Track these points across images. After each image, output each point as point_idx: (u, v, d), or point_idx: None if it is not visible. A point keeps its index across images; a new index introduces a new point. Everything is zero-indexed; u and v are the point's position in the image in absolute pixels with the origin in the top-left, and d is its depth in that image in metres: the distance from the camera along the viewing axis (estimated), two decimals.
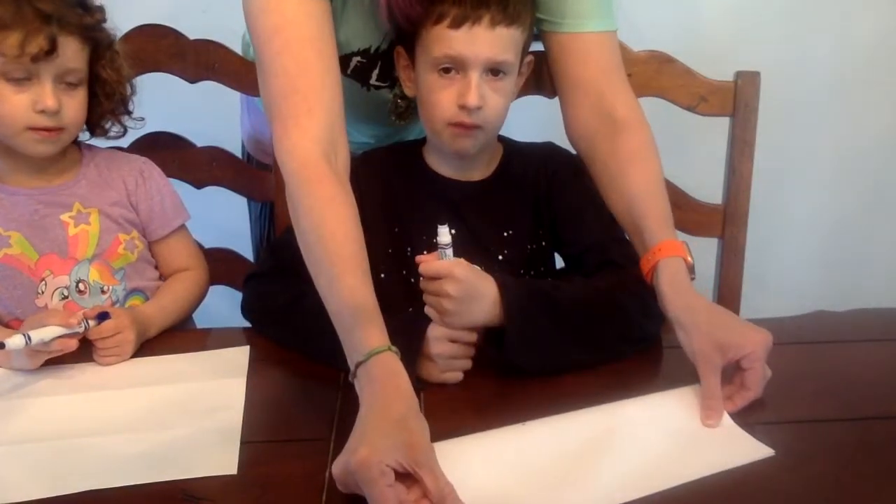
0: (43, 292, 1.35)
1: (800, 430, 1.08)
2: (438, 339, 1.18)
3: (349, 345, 1.07)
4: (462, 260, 1.18)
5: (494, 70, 1.27)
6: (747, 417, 1.09)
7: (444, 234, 1.17)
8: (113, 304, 1.38)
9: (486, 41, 1.24)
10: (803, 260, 2.51)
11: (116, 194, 1.41)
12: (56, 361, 1.26)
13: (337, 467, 0.94)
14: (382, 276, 1.36)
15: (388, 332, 1.08)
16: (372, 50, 1.40)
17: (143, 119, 1.44)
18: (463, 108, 1.27)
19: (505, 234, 1.37)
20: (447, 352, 1.19)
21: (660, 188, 1.31)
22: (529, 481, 0.99)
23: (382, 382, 1.02)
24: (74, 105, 1.31)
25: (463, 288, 1.16)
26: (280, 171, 1.20)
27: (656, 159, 1.34)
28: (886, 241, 2.51)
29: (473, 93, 1.25)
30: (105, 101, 1.36)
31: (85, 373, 1.25)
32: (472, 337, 1.20)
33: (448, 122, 1.29)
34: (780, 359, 1.27)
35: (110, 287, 1.39)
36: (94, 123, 1.39)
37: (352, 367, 1.05)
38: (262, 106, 1.26)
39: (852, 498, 0.97)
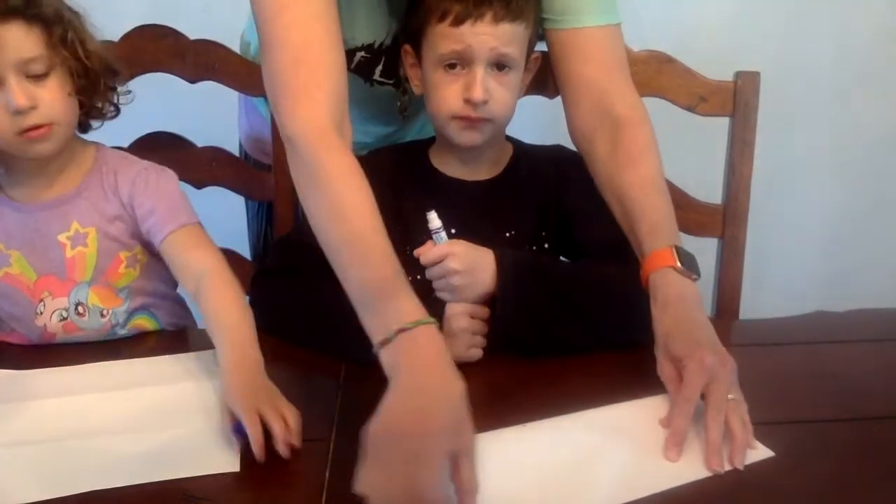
0: (42, 313, 1.32)
1: (800, 430, 1.08)
2: (459, 315, 1.21)
3: (386, 312, 1.02)
4: (456, 240, 1.24)
5: (500, 64, 1.29)
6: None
7: (434, 220, 1.24)
8: (112, 326, 1.35)
9: (489, 35, 1.26)
10: (803, 260, 2.51)
11: (118, 206, 1.32)
12: (53, 363, 1.26)
13: (384, 430, 0.90)
14: None
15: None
16: (376, 45, 1.41)
17: (130, 92, 1.35)
18: (468, 102, 1.28)
19: (507, 234, 1.37)
20: (469, 326, 1.22)
21: (655, 190, 1.30)
22: (530, 481, 0.99)
23: (435, 354, 1.00)
24: (50, 96, 1.21)
25: (465, 261, 1.22)
26: (286, 142, 1.17)
27: (654, 160, 1.33)
28: (886, 241, 2.51)
29: (478, 86, 1.27)
30: (74, 81, 1.25)
31: (82, 374, 1.25)
32: (486, 311, 1.23)
33: (454, 115, 1.31)
34: (780, 359, 1.28)
35: (110, 310, 1.34)
36: (83, 105, 1.29)
37: (387, 335, 1.00)
38: (265, 84, 1.23)
39: (852, 498, 0.97)
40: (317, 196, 1.13)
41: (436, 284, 1.24)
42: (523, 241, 1.39)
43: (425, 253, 1.23)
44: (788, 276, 2.45)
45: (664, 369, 1.11)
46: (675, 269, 1.18)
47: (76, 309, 1.33)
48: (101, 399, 1.18)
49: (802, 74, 2.29)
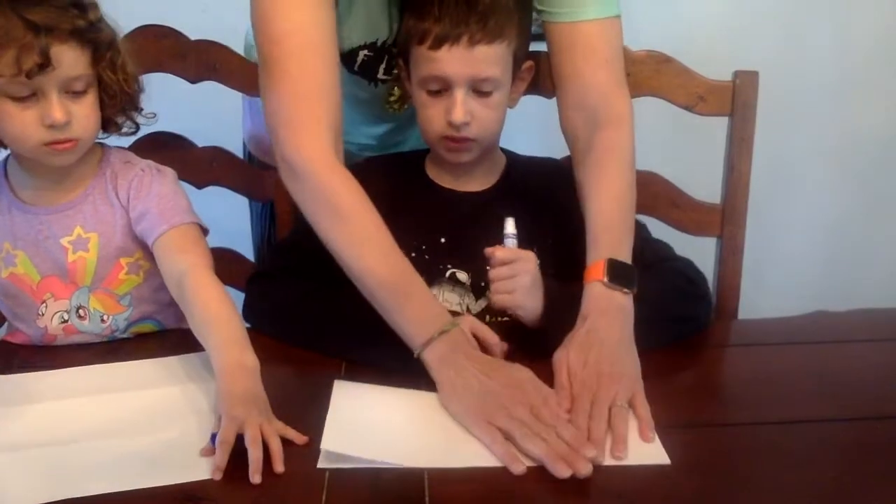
0: (43, 314, 1.33)
1: (800, 430, 1.08)
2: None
3: (425, 320, 1.17)
4: None
5: (481, 85, 1.29)
6: (746, 416, 1.09)
7: (510, 226, 1.26)
8: (112, 332, 1.35)
9: (466, 60, 1.27)
10: (803, 259, 2.51)
11: (120, 210, 1.32)
12: (55, 362, 1.27)
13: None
14: None
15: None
16: (378, 43, 1.42)
17: (154, 115, 1.37)
18: (451, 124, 1.30)
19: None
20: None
21: (610, 198, 1.31)
22: (420, 433, 1.09)
23: (469, 346, 1.17)
24: (84, 112, 1.23)
25: (536, 269, 1.23)
26: (288, 172, 1.24)
27: (620, 167, 1.34)
28: (886, 240, 2.51)
29: (458, 110, 1.29)
30: (111, 102, 1.28)
31: (73, 378, 1.24)
32: (493, 337, 1.22)
33: (440, 136, 1.33)
34: (780, 359, 1.28)
35: (110, 316, 1.34)
36: (105, 121, 1.31)
37: (430, 337, 1.15)
38: (265, 111, 1.28)
39: (852, 498, 0.97)
40: (335, 225, 1.23)
41: (500, 285, 1.23)
42: None
43: (501, 250, 1.23)
44: (788, 276, 2.45)
45: (559, 356, 1.17)
46: (602, 283, 1.21)
47: (77, 312, 1.33)
48: (92, 403, 1.17)
49: (801, 73, 2.29)
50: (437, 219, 1.39)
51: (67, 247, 1.31)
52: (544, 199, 1.42)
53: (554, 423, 1.05)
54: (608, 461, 1.02)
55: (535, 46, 1.47)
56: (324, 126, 1.24)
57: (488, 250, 1.24)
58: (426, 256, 1.38)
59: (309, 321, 1.25)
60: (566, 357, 1.17)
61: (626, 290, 1.21)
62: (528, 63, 1.38)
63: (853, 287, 2.37)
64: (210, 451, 1.02)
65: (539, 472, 1.00)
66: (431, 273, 1.38)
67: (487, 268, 1.25)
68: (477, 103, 1.30)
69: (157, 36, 1.53)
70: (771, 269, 2.34)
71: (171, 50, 1.54)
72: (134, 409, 1.16)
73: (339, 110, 1.28)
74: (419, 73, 1.31)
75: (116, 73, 1.26)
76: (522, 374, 1.13)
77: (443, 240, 1.37)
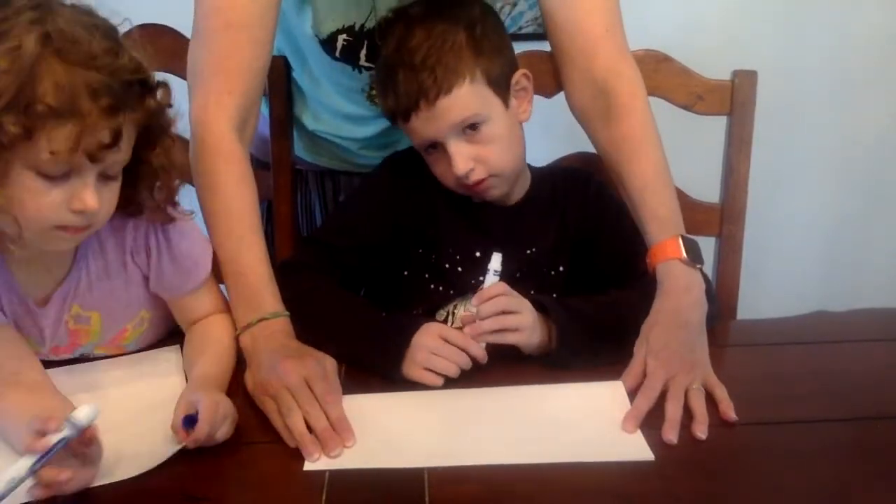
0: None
1: (800, 430, 1.08)
2: (426, 332, 1.19)
3: (251, 304, 1.20)
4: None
5: (471, 125, 1.28)
6: (746, 416, 1.09)
7: (497, 262, 1.23)
8: None
9: (435, 118, 1.27)
10: (803, 259, 2.51)
11: (118, 272, 1.21)
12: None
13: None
14: (406, 273, 1.40)
15: (378, 326, 1.23)
16: (356, 27, 1.41)
17: (192, 213, 1.24)
18: (457, 177, 1.30)
19: (528, 251, 1.38)
20: (430, 344, 1.18)
21: (658, 182, 1.32)
22: (416, 432, 1.09)
23: (285, 334, 1.18)
24: (109, 198, 1.07)
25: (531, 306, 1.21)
26: (191, 129, 1.28)
27: (651, 145, 1.34)
28: (886, 241, 2.51)
29: (457, 163, 1.29)
30: (145, 190, 1.12)
31: (63, 378, 1.22)
32: (461, 339, 1.18)
33: (458, 185, 1.33)
34: (780, 359, 1.28)
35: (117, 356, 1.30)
36: (125, 204, 1.13)
37: (249, 322, 1.18)
38: (187, 68, 1.32)
39: (852, 498, 0.97)
40: (210, 199, 1.26)
41: (506, 321, 1.19)
42: (542, 259, 1.40)
43: (495, 288, 1.20)
44: (788, 276, 2.45)
45: (641, 337, 1.19)
46: (680, 260, 1.23)
47: (80, 357, 1.28)
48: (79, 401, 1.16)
49: (800, 73, 2.29)
50: (472, 234, 1.39)
51: (68, 319, 1.22)
52: (568, 205, 1.42)
53: (324, 398, 1.08)
54: (594, 458, 1.02)
55: (534, 46, 1.47)
56: (235, 98, 1.28)
57: (481, 297, 1.20)
58: (459, 269, 1.38)
59: (310, 316, 1.24)
60: (647, 336, 1.18)
61: (699, 264, 1.24)
62: (520, 72, 1.36)
63: (853, 287, 2.37)
64: (185, 434, 1.01)
65: (539, 473, 1.00)
66: (465, 287, 1.37)
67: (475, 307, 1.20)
68: (474, 147, 1.29)
69: (156, 35, 1.53)
70: (771, 269, 2.34)
71: (170, 50, 1.53)
72: (121, 407, 1.15)
73: (256, 86, 1.32)
74: (412, 141, 1.34)
75: (166, 162, 1.13)
76: (316, 356, 1.14)
77: (478, 254, 1.36)
